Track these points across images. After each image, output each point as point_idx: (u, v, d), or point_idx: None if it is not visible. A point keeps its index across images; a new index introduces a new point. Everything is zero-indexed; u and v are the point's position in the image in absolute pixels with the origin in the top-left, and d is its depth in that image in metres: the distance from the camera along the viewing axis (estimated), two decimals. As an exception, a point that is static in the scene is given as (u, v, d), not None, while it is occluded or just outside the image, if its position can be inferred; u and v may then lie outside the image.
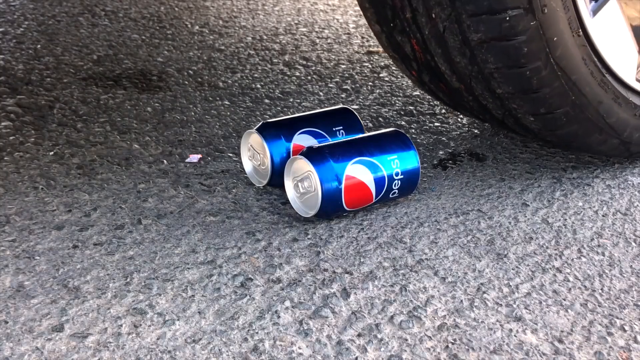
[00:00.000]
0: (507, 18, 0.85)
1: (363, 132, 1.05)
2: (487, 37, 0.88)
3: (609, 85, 0.98)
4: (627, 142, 1.06)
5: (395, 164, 0.94)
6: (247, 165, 1.04)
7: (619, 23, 0.99)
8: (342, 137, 1.04)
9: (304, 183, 0.91)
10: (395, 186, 0.95)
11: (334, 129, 1.04)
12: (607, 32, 0.97)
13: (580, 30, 0.92)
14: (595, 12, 0.95)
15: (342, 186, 0.90)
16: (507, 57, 0.89)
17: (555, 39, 0.89)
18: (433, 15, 0.91)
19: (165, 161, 1.12)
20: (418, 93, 1.51)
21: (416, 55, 1.03)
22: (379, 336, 0.72)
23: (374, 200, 0.94)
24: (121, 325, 0.72)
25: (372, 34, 1.80)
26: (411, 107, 1.42)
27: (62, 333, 0.71)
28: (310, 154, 0.90)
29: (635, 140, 1.07)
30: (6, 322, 0.72)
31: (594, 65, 0.96)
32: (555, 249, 0.90)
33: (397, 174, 0.94)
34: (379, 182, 0.93)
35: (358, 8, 2.13)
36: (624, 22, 1.00)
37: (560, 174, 1.12)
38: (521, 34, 0.86)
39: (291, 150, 0.99)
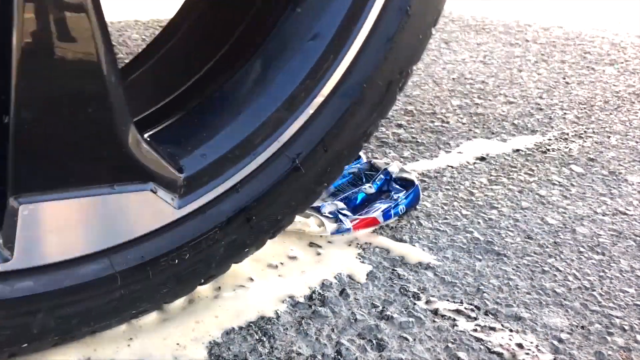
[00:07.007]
0: None
1: (361, 160, 1.05)
2: None
3: None
4: None
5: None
6: None
7: None
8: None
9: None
10: (401, 211, 0.96)
11: None
12: None
13: None
14: None
15: (351, 226, 0.91)
16: None
17: None
18: None
19: (165, 161, 1.12)
20: (418, 92, 1.51)
21: None
22: (379, 336, 0.72)
23: (380, 224, 0.95)
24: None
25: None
26: (411, 107, 1.42)
27: (63, 333, 0.71)
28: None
29: None
30: (6, 322, 0.72)
31: None
32: (555, 249, 0.90)
33: (400, 199, 0.97)
34: (386, 212, 0.94)
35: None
36: None
37: (559, 173, 1.12)
38: None
39: None
